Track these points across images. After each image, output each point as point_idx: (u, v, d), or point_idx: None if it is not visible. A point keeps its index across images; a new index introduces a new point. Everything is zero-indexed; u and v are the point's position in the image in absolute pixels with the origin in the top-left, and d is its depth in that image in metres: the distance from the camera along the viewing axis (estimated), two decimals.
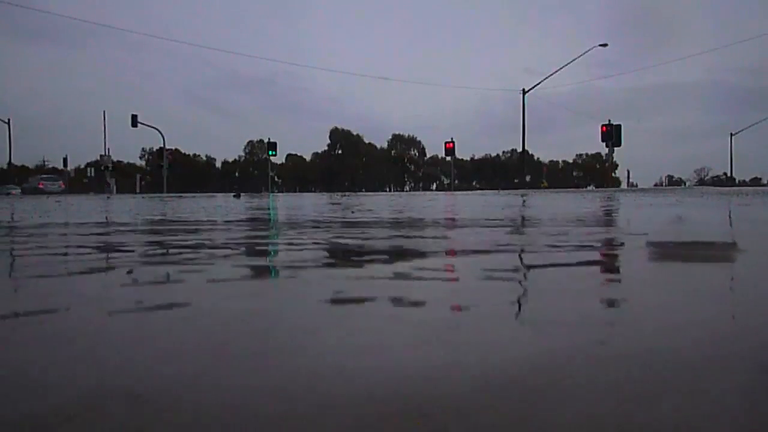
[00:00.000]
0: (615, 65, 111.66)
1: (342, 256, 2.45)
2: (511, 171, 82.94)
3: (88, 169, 64.88)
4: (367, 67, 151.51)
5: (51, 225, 4.64)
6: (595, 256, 2.49)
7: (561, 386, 0.76)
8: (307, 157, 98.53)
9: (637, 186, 58.53)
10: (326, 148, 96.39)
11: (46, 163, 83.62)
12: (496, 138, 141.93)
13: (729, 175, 56.67)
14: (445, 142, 38.08)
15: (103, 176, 40.11)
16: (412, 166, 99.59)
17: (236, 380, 0.80)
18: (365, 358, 0.92)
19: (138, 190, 44.23)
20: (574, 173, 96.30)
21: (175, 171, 64.46)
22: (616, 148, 30.64)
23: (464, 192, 22.77)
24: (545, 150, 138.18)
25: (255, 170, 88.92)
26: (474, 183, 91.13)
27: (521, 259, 2.33)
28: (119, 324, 1.21)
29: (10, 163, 46.36)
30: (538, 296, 1.53)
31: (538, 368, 0.83)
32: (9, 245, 2.87)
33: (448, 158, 41.53)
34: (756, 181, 73.66)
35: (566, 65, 36.00)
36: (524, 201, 7.53)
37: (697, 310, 1.30)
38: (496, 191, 18.38)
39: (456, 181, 50.78)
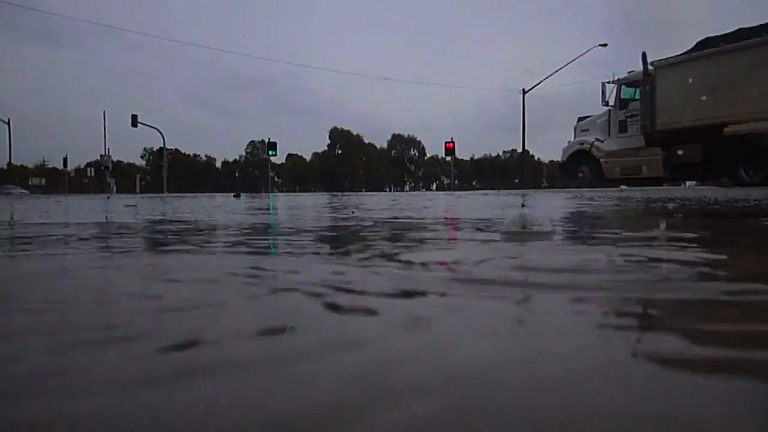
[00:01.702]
0: (615, 65, 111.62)
1: None
2: (511, 171, 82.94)
3: (88, 169, 64.95)
4: (367, 67, 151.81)
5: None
6: None
7: None
8: (307, 157, 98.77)
9: None
10: (326, 148, 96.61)
11: (46, 163, 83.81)
12: (496, 138, 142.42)
13: None
14: (445, 142, 38.08)
15: (103, 176, 40.15)
16: (412, 166, 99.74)
17: None
18: None
19: (138, 190, 44.23)
20: None
21: (175, 171, 64.54)
22: None
23: (465, 192, 22.77)
24: (545, 150, 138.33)
25: (255, 170, 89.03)
26: (474, 183, 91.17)
27: None
28: None
29: (10, 163, 46.42)
30: None
31: None
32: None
33: (448, 158, 41.53)
34: None
35: (566, 65, 36.08)
36: (529, 202, 7.49)
37: None
38: (497, 191, 18.37)
39: (456, 181, 50.78)
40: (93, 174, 58.41)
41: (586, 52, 34.93)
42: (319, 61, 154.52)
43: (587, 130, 17.72)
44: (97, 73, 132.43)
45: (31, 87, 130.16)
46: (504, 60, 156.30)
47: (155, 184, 56.57)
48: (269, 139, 37.84)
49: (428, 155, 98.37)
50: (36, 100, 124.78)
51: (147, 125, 38.03)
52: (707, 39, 14.89)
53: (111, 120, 65.79)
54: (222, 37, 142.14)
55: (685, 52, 14.84)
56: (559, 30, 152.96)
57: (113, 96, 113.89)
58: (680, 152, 14.82)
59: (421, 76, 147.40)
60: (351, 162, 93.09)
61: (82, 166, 77.01)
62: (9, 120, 42.92)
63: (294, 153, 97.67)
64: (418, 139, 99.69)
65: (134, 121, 36.27)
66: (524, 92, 36.82)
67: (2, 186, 41.04)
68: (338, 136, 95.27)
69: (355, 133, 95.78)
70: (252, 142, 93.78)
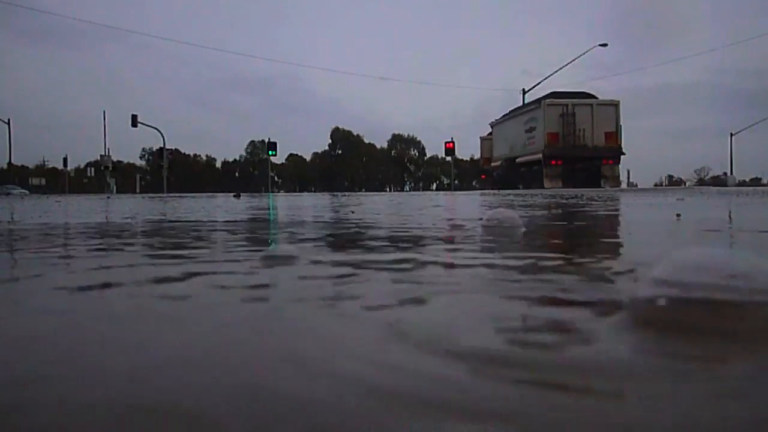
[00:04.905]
0: (614, 66, 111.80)
1: None
2: None
3: (88, 169, 64.99)
4: (367, 67, 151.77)
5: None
6: None
7: None
8: (307, 157, 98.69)
9: (637, 186, 58.40)
10: (327, 148, 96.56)
11: (46, 163, 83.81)
12: None
13: (729, 175, 56.60)
14: (445, 142, 38.09)
15: (103, 176, 40.16)
16: (412, 166, 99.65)
17: None
18: None
19: (138, 190, 44.24)
20: None
21: (175, 171, 64.54)
22: None
23: (464, 192, 22.81)
24: None
25: (255, 170, 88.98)
26: (474, 183, 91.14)
27: None
28: None
29: (10, 163, 46.41)
30: None
31: None
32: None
33: (448, 158, 41.53)
34: (756, 181, 73.59)
35: (567, 65, 36.18)
36: (534, 202, 7.53)
37: None
38: (496, 191, 18.42)
39: (456, 181, 50.75)
40: (93, 174, 58.48)
41: (586, 52, 35.03)
42: (319, 61, 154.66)
43: None
44: (97, 73, 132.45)
45: (31, 87, 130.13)
46: (504, 61, 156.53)
47: (155, 184, 56.57)
48: (269, 139, 37.87)
49: (428, 155, 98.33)
50: (36, 100, 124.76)
51: (147, 125, 38.05)
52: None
53: (111, 120, 65.85)
54: (222, 38, 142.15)
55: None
56: (558, 31, 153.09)
57: (113, 96, 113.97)
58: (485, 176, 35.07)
59: (421, 76, 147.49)
60: (351, 162, 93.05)
61: (82, 166, 77.14)
62: (9, 120, 42.92)
63: (294, 153, 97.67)
64: (418, 139, 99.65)
65: (134, 121, 36.26)
66: (524, 92, 36.83)
67: (2, 186, 41.09)
68: (339, 136, 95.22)
69: (355, 133, 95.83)
70: (252, 142, 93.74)
